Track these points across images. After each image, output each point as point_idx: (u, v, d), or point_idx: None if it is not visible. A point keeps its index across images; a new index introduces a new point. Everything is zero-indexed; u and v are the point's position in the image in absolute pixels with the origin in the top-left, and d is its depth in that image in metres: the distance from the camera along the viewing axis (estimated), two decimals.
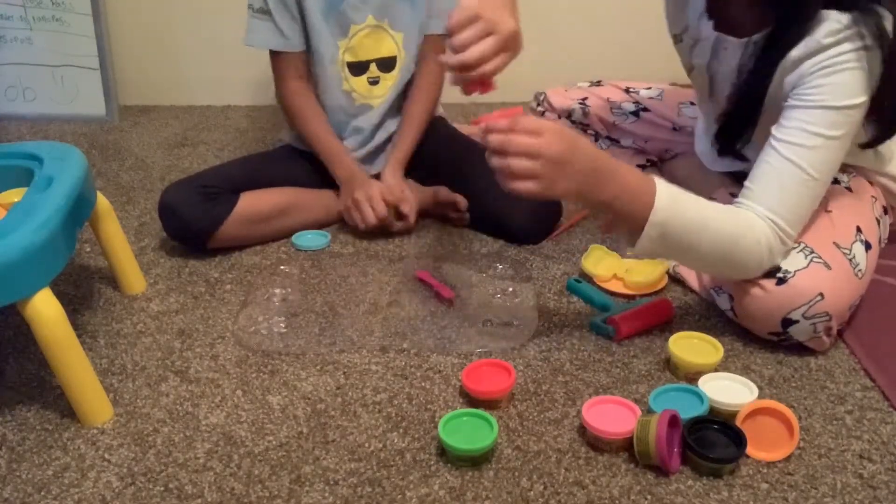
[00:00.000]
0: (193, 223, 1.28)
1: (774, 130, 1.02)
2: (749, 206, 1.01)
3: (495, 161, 0.91)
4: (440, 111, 1.53)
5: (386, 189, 1.36)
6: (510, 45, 0.94)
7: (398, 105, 1.47)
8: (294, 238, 1.37)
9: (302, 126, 1.42)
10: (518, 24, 0.95)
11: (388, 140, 1.47)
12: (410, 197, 1.39)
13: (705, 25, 1.14)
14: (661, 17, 2.05)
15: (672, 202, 0.95)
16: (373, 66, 1.41)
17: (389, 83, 1.42)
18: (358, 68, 1.40)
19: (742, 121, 1.10)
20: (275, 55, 1.40)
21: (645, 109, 1.51)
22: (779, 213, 0.99)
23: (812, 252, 1.02)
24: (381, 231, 1.38)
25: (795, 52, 0.99)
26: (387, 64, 1.42)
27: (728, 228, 0.98)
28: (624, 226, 0.98)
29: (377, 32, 1.39)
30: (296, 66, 1.40)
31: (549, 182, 0.90)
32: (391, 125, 1.46)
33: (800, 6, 0.98)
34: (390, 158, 1.43)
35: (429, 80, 1.46)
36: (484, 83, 0.96)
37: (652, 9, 2.06)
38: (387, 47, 1.41)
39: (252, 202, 1.34)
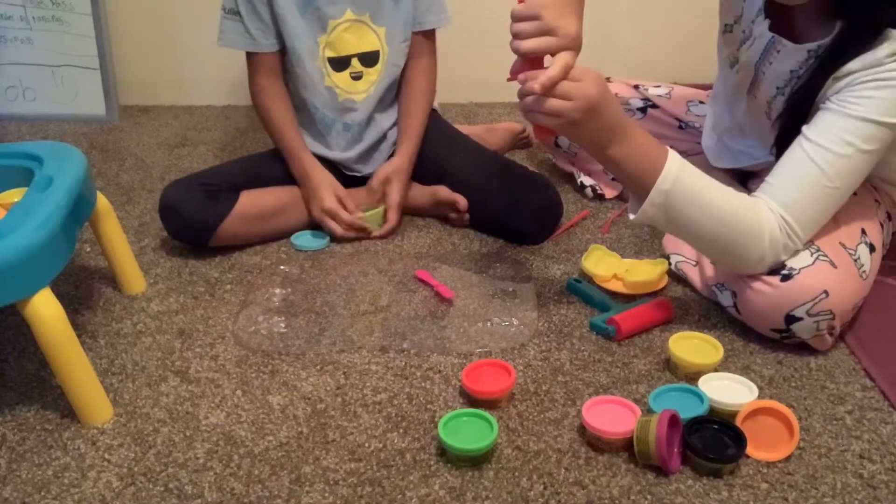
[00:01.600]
0: (195, 221, 1.28)
1: (806, 130, 1.01)
2: (764, 199, 1.01)
3: (529, 101, 0.93)
4: (434, 105, 1.52)
5: (341, 192, 1.36)
6: (569, 46, 0.96)
7: (388, 101, 1.46)
8: (293, 238, 1.37)
9: (266, 124, 1.42)
10: (580, 26, 0.97)
11: (383, 139, 1.46)
12: (394, 197, 1.37)
13: (761, 24, 1.12)
14: (663, 20, 2.07)
15: (681, 172, 0.96)
16: (355, 61, 1.40)
17: (373, 78, 1.42)
18: (339, 63, 1.40)
19: (795, 125, 1.07)
20: (248, 54, 1.40)
21: (653, 106, 1.51)
22: (791, 212, 0.99)
23: (818, 250, 1.02)
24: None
25: (852, 65, 0.98)
26: (369, 59, 1.41)
27: (732, 209, 0.99)
28: (629, 188, 1.00)
29: (357, 27, 1.38)
30: (266, 65, 1.39)
31: (572, 124, 0.94)
32: (382, 121, 1.46)
33: (870, 22, 0.97)
34: (397, 149, 1.42)
35: (424, 77, 1.45)
36: (533, 64, 0.97)
37: (654, 10, 2.08)
38: (368, 42, 1.40)
39: (253, 200, 1.34)
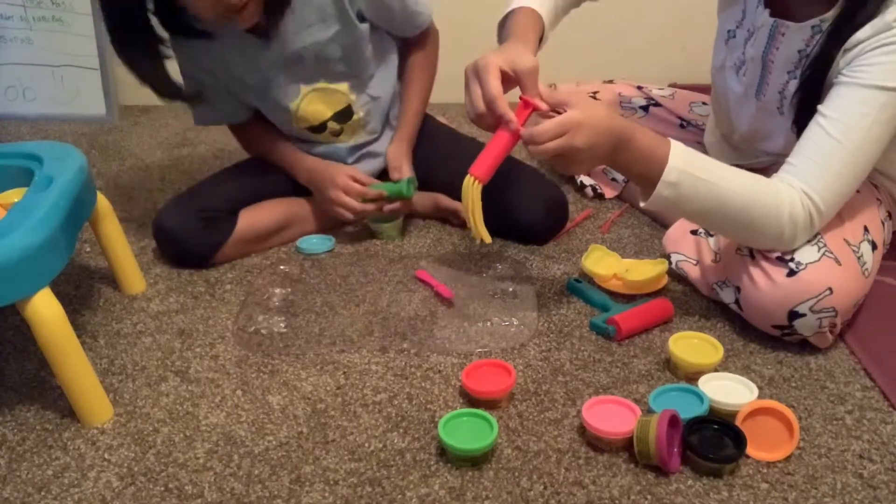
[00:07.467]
0: (193, 250, 1.27)
1: (821, 108, 1.01)
2: (786, 179, 1.00)
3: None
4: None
5: (351, 170, 1.34)
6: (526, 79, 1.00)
7: (378, 120, 1.41)
8: (299, 242, 1.36)
9: (262, 155, 1.42)
10: (531, 54, 1.03)
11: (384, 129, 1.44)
12: (405, 167, 1.36)
13: (761, 14, 1.12)
14: (662, 22, 2.07)
15: (685, 164, 0.97)
16: (330, 124, 1.35)
17: (356, 124, 1.37)
18: (316, 130, 1.36)
19: (811, 104, 1.06)
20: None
21: (656, 105, 1.52)
22: (814, 189, 0.99)
23: (825, 246, 1.02)
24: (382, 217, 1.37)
25: (861, 34, 0.98)
26: (343, 115, 1.35)
27: (745, 193, 0.99)
28: (638, 185, 1.02)
29: (317, 94, 1.32)
30: (246, 126, 1.41)
31: (574, 164, 0.98)
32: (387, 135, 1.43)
33: None
34: (395, 136, 1.41)
35: (419, 70, 1.42)
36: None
37: (654, 10, 2.08)
38: (336, 101, 1.34)
39: (251, 221, 1.32)
